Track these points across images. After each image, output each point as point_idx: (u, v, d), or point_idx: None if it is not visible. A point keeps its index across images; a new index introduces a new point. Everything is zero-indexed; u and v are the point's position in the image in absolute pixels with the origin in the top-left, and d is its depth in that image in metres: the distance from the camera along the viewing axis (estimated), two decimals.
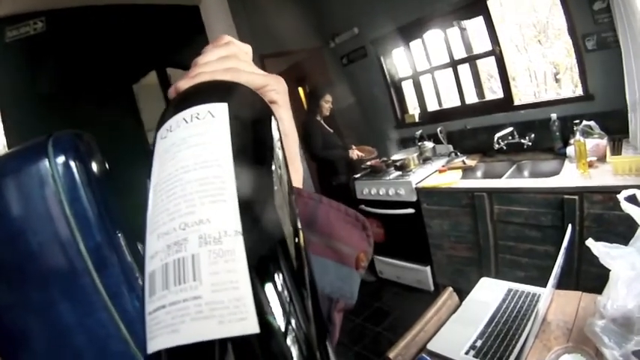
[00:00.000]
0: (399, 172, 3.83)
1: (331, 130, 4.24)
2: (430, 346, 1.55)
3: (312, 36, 5.22)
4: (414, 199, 3.47)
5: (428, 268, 3.65)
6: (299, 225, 0.31)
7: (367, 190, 3.92)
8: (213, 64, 0.41)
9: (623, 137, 2.72)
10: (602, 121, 2.83)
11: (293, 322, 0.24)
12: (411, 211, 3.53)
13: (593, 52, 2.93)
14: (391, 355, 1.52)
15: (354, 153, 4.16)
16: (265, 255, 0.26)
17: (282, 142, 0.36)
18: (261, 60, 4.72)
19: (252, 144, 0.32)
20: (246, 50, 0.46)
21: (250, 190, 0.28)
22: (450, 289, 1.89)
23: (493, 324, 1.55)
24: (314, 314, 0.27)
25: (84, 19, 3.51)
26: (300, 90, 6.30)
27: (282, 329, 0.23)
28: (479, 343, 1.46)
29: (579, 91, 3.18)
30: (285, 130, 0.44)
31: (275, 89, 0.44)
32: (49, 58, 3.30)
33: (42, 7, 3.30)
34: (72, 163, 1.14)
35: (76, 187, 1.14)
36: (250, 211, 0.27)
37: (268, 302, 0.24)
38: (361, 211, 3.87)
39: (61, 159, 1.11)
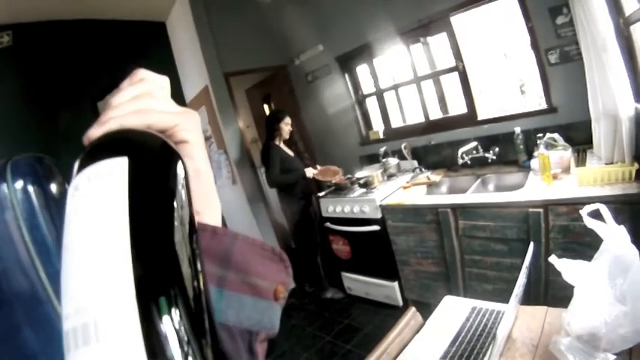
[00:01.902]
0: (364, 190, 3.80)
1: (292, 154, 4.21)
2: None
3: (278, 53, 5.22)
4: (379, 216, 3.43)
5: (396, 284, 3.62)
6: (200, 277, 0.32)
7: (332, 207, 3.88)
8: (124, 106, 0.40)
9: (587, 147, 2.75)
10: (566, 132, 2.86)
11: None
12: (376, 228, 3.48)
13: (556, 65, 2.96)
14: None
15: (310, 171, 4.12)
16: (162, 319, 0.27)
17: (187, 185, 0.35)
18: (226, 78, 4.67)
19: (150, 199, 0.33)
20: (162, 84, 0.44)
21: (146, 251, 0.29)
22: (413, 309, 1.80)
23: (457, 343, 1.48)
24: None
25: (51, 33, 3.66)
26: (266, 107, 6.24)
27: None
28: None
29: (544, 104, 3.19)
30: (197, 167, 0.45)
31: (186, 128, 0.43)
32: (16, 71, 3.44)
33: (9, 21, 3.40)
34: (30, 188, 1.07)
35: (35, 213, 1.07)
36: (145, 274, 0.28)
37: None
38: (327, 229, 3.91)
39: (19, 184, 1.04)
